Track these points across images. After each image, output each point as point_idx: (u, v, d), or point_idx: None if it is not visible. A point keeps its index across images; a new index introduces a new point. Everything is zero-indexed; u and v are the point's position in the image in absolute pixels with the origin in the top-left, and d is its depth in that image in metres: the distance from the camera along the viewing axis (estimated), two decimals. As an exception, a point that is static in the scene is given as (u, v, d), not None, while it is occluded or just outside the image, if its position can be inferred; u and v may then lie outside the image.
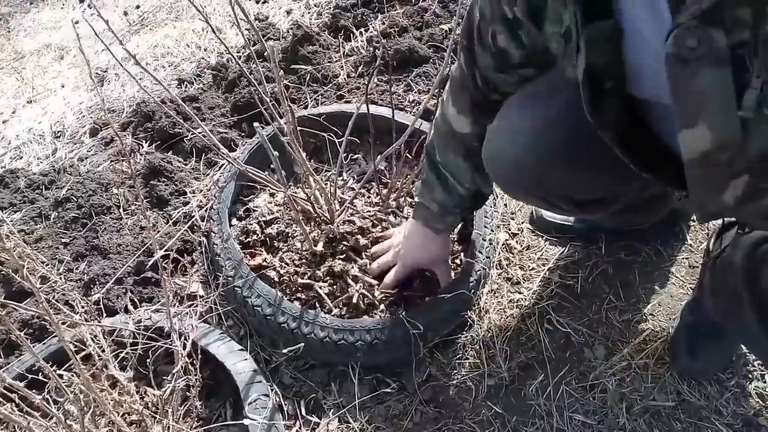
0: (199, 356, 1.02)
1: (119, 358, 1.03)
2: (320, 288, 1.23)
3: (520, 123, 0.96)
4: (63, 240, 1.46)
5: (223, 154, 1.22)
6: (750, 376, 1.17)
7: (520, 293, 1.31)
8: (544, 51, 0.86)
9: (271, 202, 1.46)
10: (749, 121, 0.60)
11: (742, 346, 1.18)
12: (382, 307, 1.23)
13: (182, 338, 0.98)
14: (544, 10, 0.76)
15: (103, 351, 0.98)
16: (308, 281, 1.25)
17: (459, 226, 1.37)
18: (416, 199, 1.21)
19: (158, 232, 1.41)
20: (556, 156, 0.94)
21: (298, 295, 1.25)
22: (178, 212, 1.49)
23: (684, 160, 0.68)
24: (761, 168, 0.65)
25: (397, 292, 1.24)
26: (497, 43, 0.89)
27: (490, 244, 1.30)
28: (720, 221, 1.09)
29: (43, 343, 1.16)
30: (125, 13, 2.58)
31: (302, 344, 1.13)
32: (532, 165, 0.96)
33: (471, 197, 1.14)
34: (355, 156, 1.58)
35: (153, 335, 1.02)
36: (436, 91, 1.28)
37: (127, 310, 1.25)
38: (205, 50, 2.18)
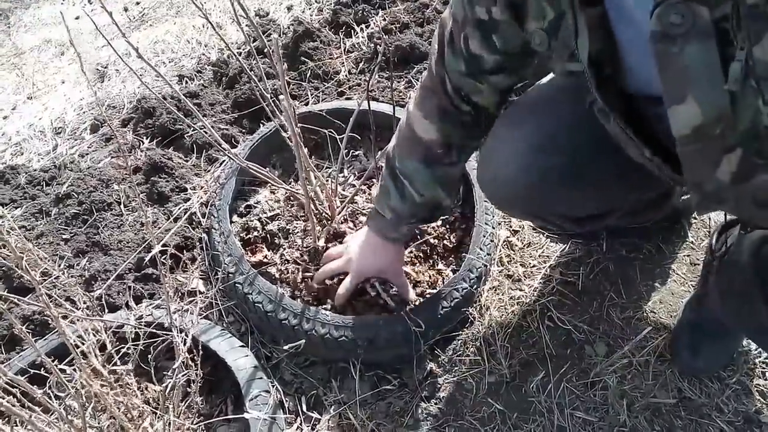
0: (200, 352, 1.02)
1: (120, 354, 1.03)
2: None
3: (512, 145, 0.96)
4: (64, 236, 1.46)
5: (225, 150, 1.22)
6: (751, 373, 1.17)
7: (521, 290, 1.31)
8: (520, 54, 0.85)
9: (271, 199, 1.46)
10: (737, 94, 0.61)
11: (745, 344, 1.18)
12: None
13: (183, 334, 0.98)
14: (525, 6, 0.76)
15: (104, 347, 0.98)
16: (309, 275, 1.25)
17: (455, 219, 1.37)
18: (372, 205, 1.17)
19: (158, 228, 1.41)
20: (553, 177, 0.94)
21: (298, 291, 1.25)
22: (179, 209, 1.49)
23: (676, 138, 0.68)
24: (753, 141, 0.65)
25: (348, 305, 1.20)
26: (469, 48, 0.87)
27: (491, 240, 1.29)
28: (722, 218, 1.09)
29: (45, 338, 1.16)
30: (125, 9, 2.57)
31: (303, 341, 1.13)
32: (528, 187, 0.96)
33: (428, 208, 1.08)
34: (356, 153, 1.57)
35: (154, 331, 1.02)
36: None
37: (128, 306, 1.25)
38: (205, 46, 2.18)
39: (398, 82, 1.78)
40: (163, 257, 1.31)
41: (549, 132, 0.93)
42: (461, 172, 1.05)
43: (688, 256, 1.35)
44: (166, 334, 0.98)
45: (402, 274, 1.22)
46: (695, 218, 1.40)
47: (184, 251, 1.40)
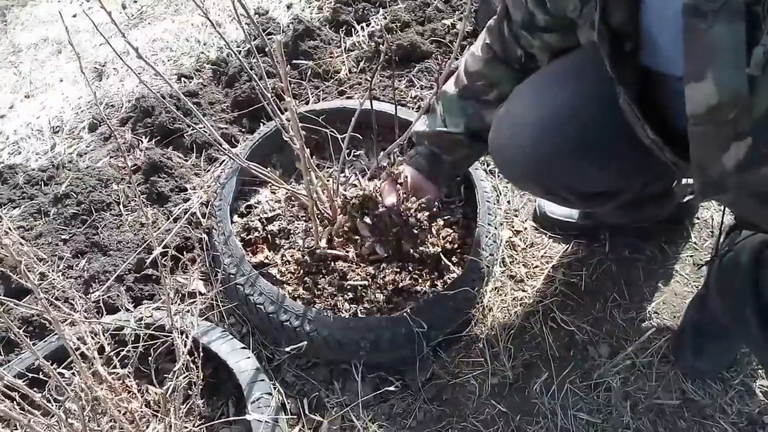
0: (201, 354, 1.01)
1: (120, 356, 1.02)
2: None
3: (528, 113, 0.96)
4: (62, 236, 1.44)
5: (225, 150, 1.21)
6: (754, 374, 1.16)
7: (523, 291, 1.30)
8: (565, 21, 0.88)
9: (272, 199, 1.45)
10: (757, 80, 0.61)
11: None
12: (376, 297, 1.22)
13: (183, 336, 0.97)
14: None
15: (103, 349, 0.97)
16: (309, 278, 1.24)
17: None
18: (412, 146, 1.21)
19: (158, 228, 1.40)
20: (563, 149, 0.94)
21: (300, 292, 1.24)
22: (179, 209, 1.47)
23: (688, 116, 0.67)
24: (766, 130, 0.64)
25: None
26: (527, 4, 0.92)
27: (494, 241, 1.29)
28: (726, 219, 1.08)
29: (44, 341, 1.15)
30: (123, 7, 2.55)
31: (305, 342, 1.12)
32: (537, 156, 0.95)
33: (446, 139, 1.13)
34: (358, 152, 1.56)
35: (154, 333, 1.01)
36: (440, 89, 1.26)
37: (128, 308, 1.24)
38: (204, 45, 2.16)
39: (399, 81, 1.77)
40: (164, 259, 1.30)
41: (567, 103, 0.93)
42: (491, 122, 1.05)
43: (691, 256, 1.34)
44: (167, 336, 0.97)
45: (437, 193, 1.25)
46: (698, 219, 1.40)
47: (184, 252, 1.39)
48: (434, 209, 1.27)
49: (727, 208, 0.86)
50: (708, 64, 0.63)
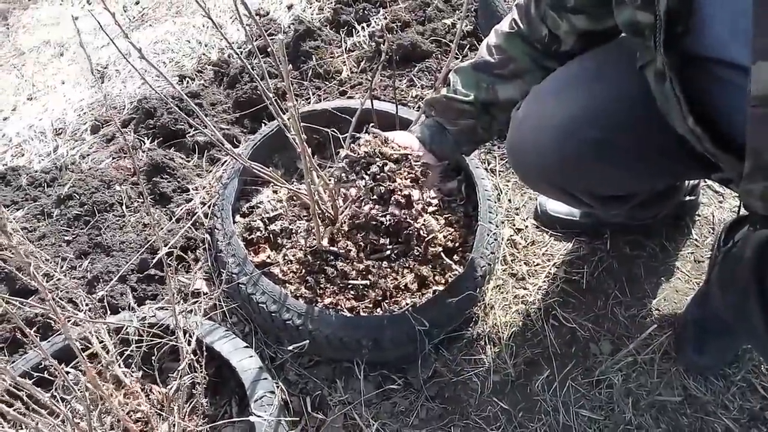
0: (204, 353, 1.01)
1: (124, 356, 1.03)
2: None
3: (550, 115, 0.93)
4: (66, 238, 1.45)
5: (227, 150, 1.22)
6: (756, 370, 1.17)
7: (525, 289, 1.31)
8: (600, 1, 0.85)
9: (274, 199, 1.46)
10: None
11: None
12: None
13: (187, 335, 0.98)
14: None
15: (108, 350, 0.98)
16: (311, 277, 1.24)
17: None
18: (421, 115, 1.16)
19: (162, 229, 1.40)
20: (586, 152, 0.92)
21: (302, 291, 1.25)
22: (182, 209, 1.48)
23: (751, 97, 0.64)
24: None
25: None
26: None
27: (495, 239, 1.29)
28: (728, 216, 1.09)
29: (48, 341, 1.15)
30: (125, 9, 2.56)
31: (307, 341, 1.12)
32: (560, 159, 0.94)
33: (454, 108, 1.08)
34: (359, 152, 1.57)
35: (158, 333, 1.02)
36: (440, 86, 1.27)
37: (131, 308, 1.24)
38: (206, 46, 2.17)
39: (400, 80, 1.77)
40: (168, 259, 1.31)
41: (590, 105, 0.90)
42: (504, 98, 1.03)
43: (692, 253, 1.35)
44: (170, 337, 0.98)
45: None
46: (699, 216, 1.40)
47: (188, 252, 1.40)
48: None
49: (746, 202, 0.83)
50: None
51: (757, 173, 0.71)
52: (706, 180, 1.39)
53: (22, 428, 1.01)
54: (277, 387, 1.12)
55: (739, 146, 0.72)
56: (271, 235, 1.35)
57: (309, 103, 1.74)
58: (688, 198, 1.34)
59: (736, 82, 0.66)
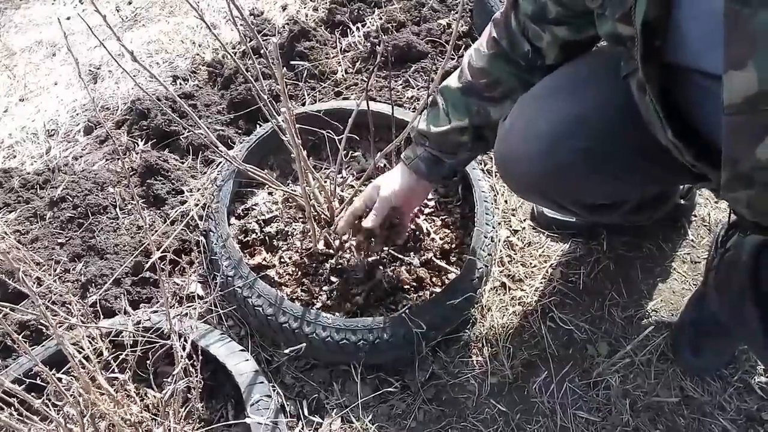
0: (200, 357, 1.00)
1: (119, 360, 1.01)
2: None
3: (540, 122, 0.93)
4: (59, 240, 1.44)
5: (222, 152, 1.21)
6: (753, 371, 1.17)
7: (522, 290, 1.31)
8: (580, 12, 0.86)
9: (269, 201, 1.45)
10: None
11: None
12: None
13: (182, 339, 0.97)
14: None
15: (101, 354, 0.96)
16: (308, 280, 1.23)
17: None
18: (410, 146, 1.16)
19: (155, 232, 1.39)
20: (574, 161, 0.92)
21: (298, 293, 1.24)
22: (176, 211, 1.47)
23: (724, 105, 0.65)
24: None
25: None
26: None
27: (492, 241, 1.29)
28: (724, 217, 1.09)
29: (41, 346, 1.14)
30: (117, 9, 2.54)
31: (304, 344, 1.12)
32: (548, 169, 0.94)
33: (450, 139, 1.07)
34: (355, 153, 1.56)
35: (152, 337, 1.01)
36: (436, 87, 1.26)
37: (125, 312, 1.23)
38: (199, 46, 2.16)
39: (396, 81, 1.76)
40: (162, 262, 1.29)
41: (577, 113, 0.90)
42: (496, 119, 1.03)
43: (688, 254, 1.35)
44: (165, 341, 0.97)
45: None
46: (695, 217, 1.40)
47: (182, 255, 1.38)
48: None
49: (734, 208, 0.83)
50: (750, 51, 0.60)
51: (735, 182, 0.72)
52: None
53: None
54: (274, 390, 1.11)
55: (720, 157, 0.72)
56: (266, 238, 1.34)
57: (304, 104, 1.73)
58: (683, 201, 1.34)
59: (715, 91, 0.66)
